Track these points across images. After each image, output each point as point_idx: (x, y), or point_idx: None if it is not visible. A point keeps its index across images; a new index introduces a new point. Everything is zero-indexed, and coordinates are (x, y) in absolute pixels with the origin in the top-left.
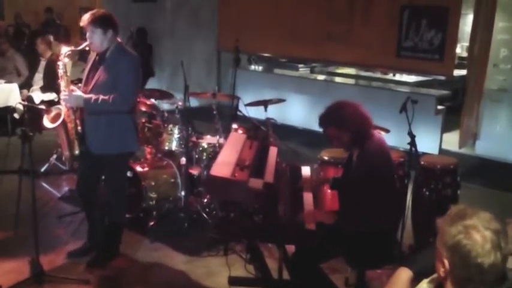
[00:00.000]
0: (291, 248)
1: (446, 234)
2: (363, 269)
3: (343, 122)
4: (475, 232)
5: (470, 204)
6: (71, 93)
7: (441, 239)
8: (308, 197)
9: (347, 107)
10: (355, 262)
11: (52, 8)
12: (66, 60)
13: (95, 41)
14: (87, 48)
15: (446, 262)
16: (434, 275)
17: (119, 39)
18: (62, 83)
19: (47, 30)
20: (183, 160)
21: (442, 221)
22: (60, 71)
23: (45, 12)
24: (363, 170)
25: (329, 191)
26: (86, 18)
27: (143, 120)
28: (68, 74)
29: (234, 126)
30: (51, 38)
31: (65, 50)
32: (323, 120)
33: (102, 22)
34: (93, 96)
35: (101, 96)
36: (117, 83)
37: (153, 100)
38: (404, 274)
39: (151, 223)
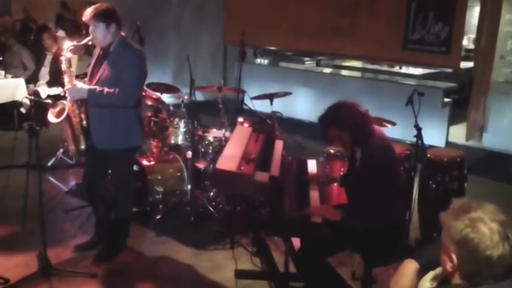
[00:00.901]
0: (296, 241)
1: (453, 229)
2: (371, 266)
3: (343, 122)
4: (482, 225)
5: (477, 197)
6: (74, 86)
7: (447, 234)
8: (314, 193)
9: (346, 107)
10: (363, 257)
11: (66, 3)
12: (69, 55)
13: (98, 35)
14: (90, 43)
15: (454, 257)
16: (437, 270)
17: (122, 33)
18: (66, 78)
19: (61, 24)
20: (189, 154)
21: (446, 216)
22: (63, 66)
23: (60, 7)
24: (367, 167)
25: (335, 184)
26: (88, 12)
27: (149, 114)
28: (73, 68)
29: (240, 119)
30: (63, 33)
31: (67, 44)
32: (322, 121)
33: (105, 16)
34: (97, 88)
35: (106, 89)
36: (121, 78)
37: (158, 94)
38: (411, 266)
39: (158, 217)
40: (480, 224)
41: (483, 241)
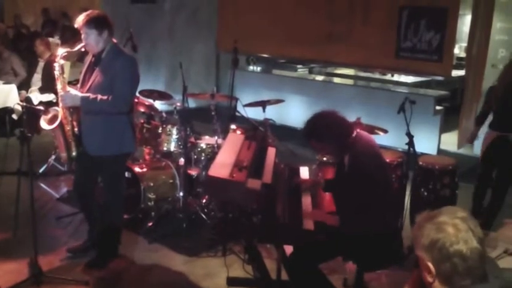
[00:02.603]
0: (289, 249)
1: (420, 237)
2: (362, 271)
3: (322, 135)
4: (445, 225)
5: (468, 205)
6: (67, 93)
7: (418, 245)
8: (306, 200)
9: (323, 118)
10: (355, 263)
11: (48, 9)
12: (62, 61)
13: (90, 42)
14: (83, 49)
15: (430, 264)
16: None
17: (114, 40)
18: (58, 85)
19: (51, 31)
20: (182, 161)
21: (413, 230)
22: (56, 73)
23: (42, 14)
24: (354, 173)
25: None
26: (80, 19)
27: (142, 121)
28: (65, 75)
29: (233, 127)
30: (57, 39)
31: (60, 51)
32: (304, 134)
33: (97, 23)
34: (90, 95)
35: (99, 96)
36: (113, 84)
37: (151, 101)
38: None
39: (150, 224)
40: (444, 225)
41: (448, 238)
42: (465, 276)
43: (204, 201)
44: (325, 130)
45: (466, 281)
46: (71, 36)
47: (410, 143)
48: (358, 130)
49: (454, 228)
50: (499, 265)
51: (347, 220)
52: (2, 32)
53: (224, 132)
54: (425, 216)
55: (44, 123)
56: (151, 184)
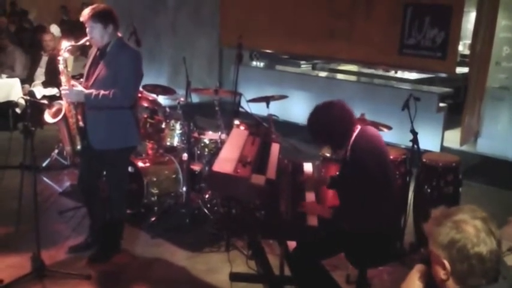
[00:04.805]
0: (292, 244)
1: (438, 235)
2: (362, 268)
3: (325, 128)
4: (465, 225)
5: (471, 202)
6: (71, 89)
7: (434, 242)
8: (310, 196)
9: (327, 111)
10: (355, 261)
11: (16, 2)
12: (66, 55)
13: (96, 36)
14: (87, 43)
15: (445, 262)
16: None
17: (119, 34)
18: (63, 78)
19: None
20: (185, 156)
21: (429, 225)
22: (61, 66)
23: (10, 6)
24: (354, 168)
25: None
26: (86, 13)
27: (145, 116)
28: (69, 69)
29: (236, 122)
30: (58, 31)
31: (65, 44)
32: (308, 126)
33: (103, 17)
34: (93, 92)
35: (102, 92)
36: (117, 78)
37: (154, 95)
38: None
39: (153, 219)
40: (463, 225)
41: (469, 239)
42: (481, 278)
43: (207, 196)
44: (328, 123)
45: (481, 282)
46: (70, 30)
47: (415, 140)
48: (364, 125)
49: (475, 229)
50: (506, 263)
51: (348, 216)
52: (4, 25)
53: (227, 128)
54: (442, 213)
55: (48, 117)
56: (154, 179)
